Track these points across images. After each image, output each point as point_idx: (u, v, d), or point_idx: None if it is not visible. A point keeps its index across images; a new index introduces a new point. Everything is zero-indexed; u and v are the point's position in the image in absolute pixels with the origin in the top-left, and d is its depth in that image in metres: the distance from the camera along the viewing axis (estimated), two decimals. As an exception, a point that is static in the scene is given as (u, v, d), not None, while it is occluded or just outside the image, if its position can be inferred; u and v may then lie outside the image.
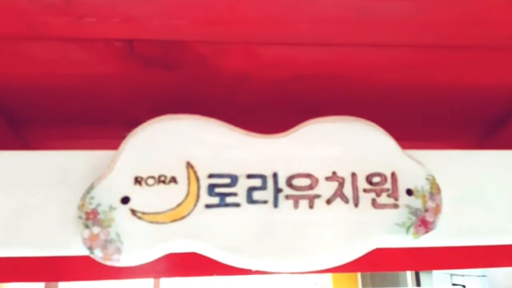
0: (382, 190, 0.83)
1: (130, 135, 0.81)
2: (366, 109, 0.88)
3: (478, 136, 1.17)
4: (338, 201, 0.81)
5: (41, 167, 0.82)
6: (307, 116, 0.86)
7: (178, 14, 0.77)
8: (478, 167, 0.92)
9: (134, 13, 0.76)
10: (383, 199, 0.82)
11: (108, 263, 0.74)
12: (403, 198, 0.82)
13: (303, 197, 0.81)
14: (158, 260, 0.78)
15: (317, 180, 0.82)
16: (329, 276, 3.93)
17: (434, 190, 0.83)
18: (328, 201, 0.81)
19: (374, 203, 0.82)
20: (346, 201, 0.81)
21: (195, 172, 0.80)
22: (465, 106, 1.07)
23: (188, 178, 0.79)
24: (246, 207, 0.79)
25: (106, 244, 0.74)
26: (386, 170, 0.84)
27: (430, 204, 0.82)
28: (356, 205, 0.81)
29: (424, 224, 0.81)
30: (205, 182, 0.80)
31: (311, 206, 0.81)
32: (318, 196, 0.81)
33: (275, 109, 1.02)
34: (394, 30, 0.82)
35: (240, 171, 0.81)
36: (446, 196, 0.83)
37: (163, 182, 0.79)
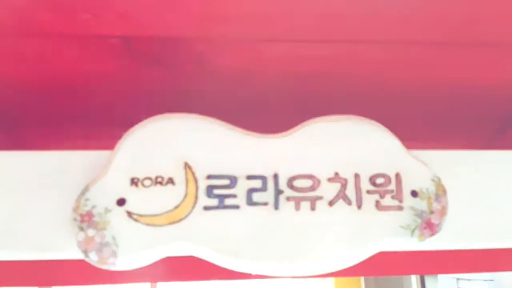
0: (386, 192, 0.82)
1: (126, 135, 0.80)
2: (369, 108, 0.87)
3: (486, 136, 1.16)
4: (340, 202, 0.80)
5: (34, 168, 0.81)
6: (308, 115, 0.85)
7: (176, 10, 0.75)
8: (486, 167, 0.91)
9: (130, 9, 0.75)
10: (387, 200, 0.81)
11: (104, 267, 0.73)
12: (408, 199, 0.81)
13: (304, 198, 0.80)
14: (155, 264, 0.77)
15: (319, 181, 0.81)
16: (331, 280, 3.91)
17: (440, 192, 0.82)
18: (331, 203, 0.80)
19: (377, 205, 0.81)
20: (349, 202, 0.80)
21: (193, 173, 0.79)
22: (471, 105, 1.06)
23: (186, 179, 0.79)
24: (245, 209, 0.78)
25: (101, 247, 0.73)
26: (390, 171, 0.83)
27: (436, 206, 0.81)
28: (359, 207, 0.80)
29: (429, 227, 0.80)
30: (203, 183, 0.79)
31: (312, 208, 0.79)
32: (320, 197, 0.80)
33: (276, 108, 1.01)
34: (400, 26, 0.81)
35: (239, 172, 0.80)
36: (452, 198, 0.82)
37: (160, 183, 0.78)
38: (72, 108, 0.99)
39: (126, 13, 0.75)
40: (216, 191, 0.78)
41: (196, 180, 0.78)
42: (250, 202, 0.78)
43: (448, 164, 0.88)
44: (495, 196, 0.89)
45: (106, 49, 0.82)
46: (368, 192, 0.81)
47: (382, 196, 0.81)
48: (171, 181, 0.78)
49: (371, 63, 0.90)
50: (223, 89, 0.95)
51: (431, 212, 0.80)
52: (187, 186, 0.78)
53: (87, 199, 0.75)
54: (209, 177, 0.79)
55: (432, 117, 1.10)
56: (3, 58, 0.83)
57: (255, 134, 0.83)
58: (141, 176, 0.77)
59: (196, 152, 0.80)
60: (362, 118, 0.85)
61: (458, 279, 3.07)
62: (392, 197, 0.81)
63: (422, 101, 1.03)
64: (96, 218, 0.74)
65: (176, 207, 0.77)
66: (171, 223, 0.75)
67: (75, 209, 0.74)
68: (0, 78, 0.89)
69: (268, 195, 0.79)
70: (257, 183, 0.80)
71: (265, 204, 0.79)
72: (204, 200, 0.77)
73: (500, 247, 0.89)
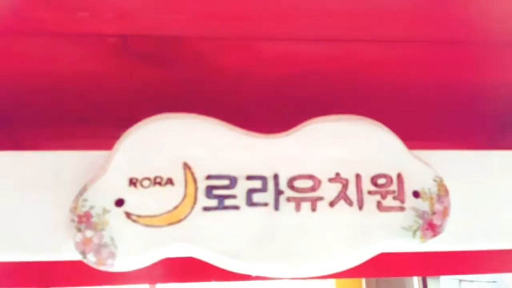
0: (387, 192, 0.81)
1: (125, 135, 0.80)
2: (371, 107, 0.87)
3: (489, 136, 1.16)
4: (341, 203, 0.80)
5: (31, 168, 0.81)
6: (309, 115, 0.84)
7: (175, 8, 0.75)
8: (488, 167, 0.90)
9: (128, 8, 0.75)
10: (389, 201, 0.80)
11: (102, 268, 0.73)
12: (410, 200, 0.81)
13: (305, 199, 0.79)
14: (154, 265, 0.76)
15: (319, 182, 0.80)
16: (332, 282, 3.90)
17: (442, 192, 0.81)
18: (331, 204, 0.79)
19: (379, 205, 0.80)
20: (350, 203, 0.80)
21: (192, 173, 0.78)
22: (475, 104, 1.06)
23: (185, 179, 0.78)
24: (245, 210, 0.77)
25: (99, 248, 0.72)
26: (391, 171, 0.82)
27: (438, 206, 0.80)
28: (360, 207, 0.80)
29: (431, 228, 0.79)
30: (203, 184, 0.78)
31: (313, 209, 0.79)
32: (320, 198, 0.79)
33: (276, 108, 1.01)
34: (402, 25, 0.81)
35: (239, 172, 0.79)
36: (454, 198, 0.81)
37: (159, 183, 0.77)
38: (69, 107, 0.99)
39: (124, 12, 0.75)
40: (216, 192, 0.78)
41: (195, 181, 0.78)
42: (250, 203, 0.78)
43: (450, 164, 0.87)
44: (496, 196, 0.88)
45: (104, 48, 0.82)
46: (370, 192, 0.80)
47: (383, 197, 0.80)
48: (170, 181, 0.77)
49: (371, 63, 0.90)
50: (223, 89, 0.95)
51: (433, 213, 0.80)
52: (186, 187, 0.77)
53: (85, 200, 0.74)
54: (209, 177, 0.78)
55: (434, 117, 1.10)
56: (1, 57, 0.83)
57: (255, 134, 0.82)
58: (139, 177, 0.77)
59: (195, 152, 0.79)
60: (363, 118, 0.84)
61: (460, 280, 3.07)
62: (394, 198, 0.80)
63: (424, 101, 1.03)
64: (94, 219, 0.73)
65: (175, 207, 0.76)
66: (170, 224, 0.75)
67: (73, 209, 0.74)
68: (-2, 78, 0.88)
69: (268, 196, 0.78)
70: (257, 184, 0.79)
71: (265, 204, 0.78)
72: (203, 201, 0.77)
73: (502, 248, 0.88)
